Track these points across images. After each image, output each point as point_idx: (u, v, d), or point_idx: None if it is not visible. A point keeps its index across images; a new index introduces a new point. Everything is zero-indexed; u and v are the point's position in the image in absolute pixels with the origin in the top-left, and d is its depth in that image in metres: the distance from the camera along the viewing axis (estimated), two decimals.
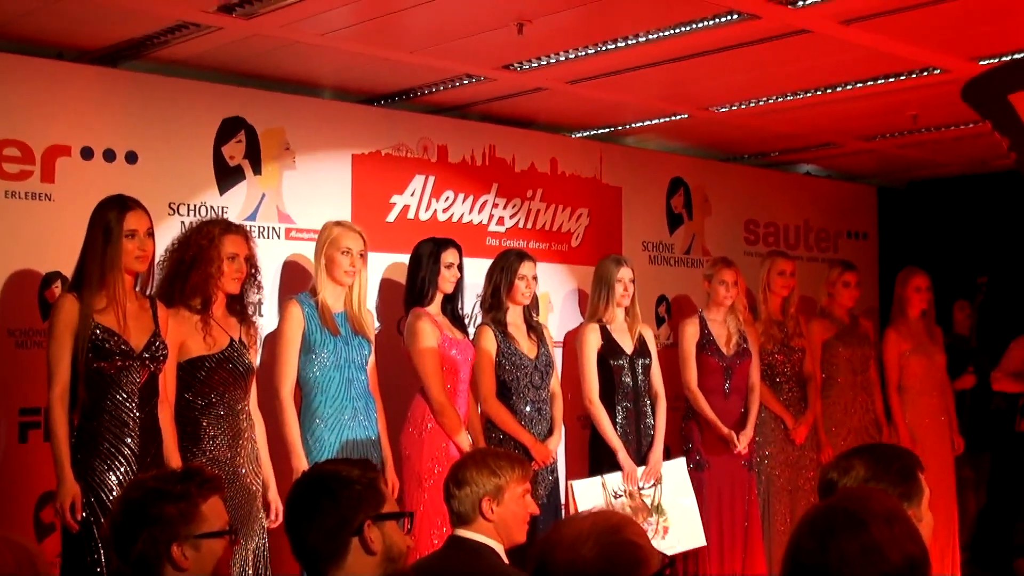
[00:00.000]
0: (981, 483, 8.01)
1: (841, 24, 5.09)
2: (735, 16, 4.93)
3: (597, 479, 5.90)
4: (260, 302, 5.01)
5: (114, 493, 4.18)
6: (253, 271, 4.87)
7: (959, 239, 8.98)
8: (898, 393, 7.11)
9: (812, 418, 6.78)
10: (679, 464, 6.24)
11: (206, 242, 4.69)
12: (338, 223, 5.31)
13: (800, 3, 4.79)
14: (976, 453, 7.70)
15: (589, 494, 5.79)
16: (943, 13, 4.92)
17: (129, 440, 4.30)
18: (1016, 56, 5.52)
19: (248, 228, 5.09)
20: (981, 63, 5.67)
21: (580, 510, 5.58)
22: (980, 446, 7.74)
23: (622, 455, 5.94)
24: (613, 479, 5.92)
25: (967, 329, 8.14)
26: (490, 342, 5.74)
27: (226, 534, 2.85)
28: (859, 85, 6.24)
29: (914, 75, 6.01)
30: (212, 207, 5.59)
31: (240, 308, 4.86)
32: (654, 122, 7.19)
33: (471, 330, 5.91)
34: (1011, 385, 7.63)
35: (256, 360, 4.96)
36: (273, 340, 5.26)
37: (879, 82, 6.16)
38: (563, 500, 5.92)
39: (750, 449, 6.45)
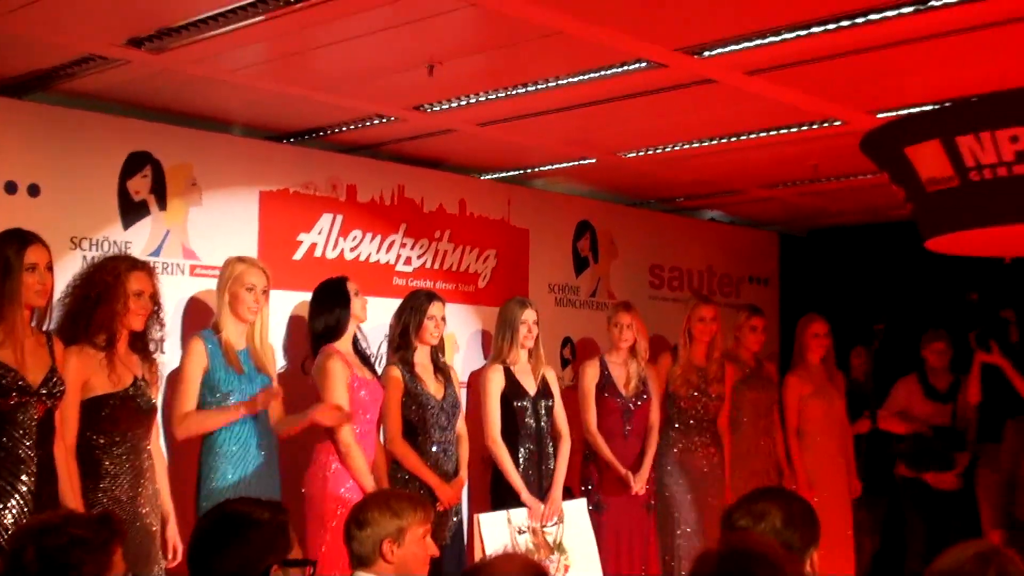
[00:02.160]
0: (877, 526, 8.12)
1: (746, 75, 5.19)
2: (643, 64, 5.01)
3: (503, 513, 5.90)
4: (162, 339, 4.95)
5: (8, 533, 4.06)
6: (156, 308, 4.81)
7: (857, 286, 9.17)
8: (797, 437, 7.20)
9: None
10: (580, 505, 6.27)
11: (112, 279, 4.63)
12: (241, 259, 5.28)
13: (706, 53, 4.86)
14: (873, 496, 7.82)
15: (494, 528, 5.80)
16: (844, 67, 5.04)
17: (25, 478, 4.18)
18: (912, 110, 5.67)
19: (152, 264, 5.05)
20: (879, 116, 5.81)
21: (485, 543, 5.62)
22: (877, 490, 7.86)
23: (525, 495, 5.95)
24: (518, 514, 5.93)
25: (863, 375, 8.28)
26: (397, 382, 5.72)
27: None
28: (762, 134, 6.36)
29: (815, 126, 6.14)
30: (115, 242, 5.51)
31: (142, 345, 4.79)
32: (562, 166, 7.26)
33: (379, 367, 5.90)
34: (895, 425, 7.76)
35: (158, 398, 4.89)
36: (175, 377, 5.19)
37: (782, 132, 6.28)
38: (466, 536, 5.91)
39: (648, 490, 6.50)
